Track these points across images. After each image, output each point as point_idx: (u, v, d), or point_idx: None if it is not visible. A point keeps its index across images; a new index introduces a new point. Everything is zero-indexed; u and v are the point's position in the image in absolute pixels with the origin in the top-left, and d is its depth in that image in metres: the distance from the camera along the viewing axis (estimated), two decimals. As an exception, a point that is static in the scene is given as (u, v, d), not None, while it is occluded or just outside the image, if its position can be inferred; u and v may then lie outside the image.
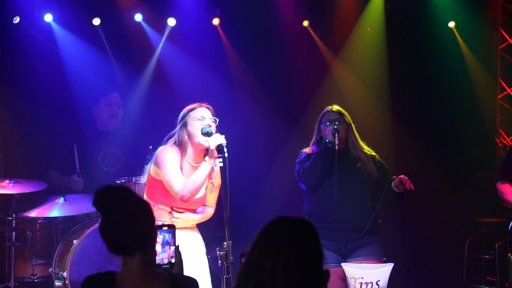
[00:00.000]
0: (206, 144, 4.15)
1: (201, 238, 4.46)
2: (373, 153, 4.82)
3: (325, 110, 4.81)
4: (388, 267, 4.29)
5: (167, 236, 2.66)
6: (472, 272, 6.79)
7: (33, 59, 6.40)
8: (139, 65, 6.96)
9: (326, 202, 4.64)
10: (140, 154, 5.49)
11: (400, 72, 7.25)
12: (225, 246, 3.97)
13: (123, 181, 5.28)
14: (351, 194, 4.68)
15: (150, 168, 4.29)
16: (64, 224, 5.57)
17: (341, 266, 4.39)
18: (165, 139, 4.36)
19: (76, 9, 6.55)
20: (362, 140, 4.84)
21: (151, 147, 5.11)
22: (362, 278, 4.24)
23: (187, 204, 4.23)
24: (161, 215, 4.26)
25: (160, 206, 4.26)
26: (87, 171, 5.86)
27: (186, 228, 4.36)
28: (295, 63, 7.25)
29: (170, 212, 4.27)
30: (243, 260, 2.25)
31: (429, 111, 7.35)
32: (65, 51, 6.57)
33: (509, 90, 7.11)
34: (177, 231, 4.19)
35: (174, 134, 4.33)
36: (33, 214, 5.39)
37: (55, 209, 5.36)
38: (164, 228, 2.65)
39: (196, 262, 4.32)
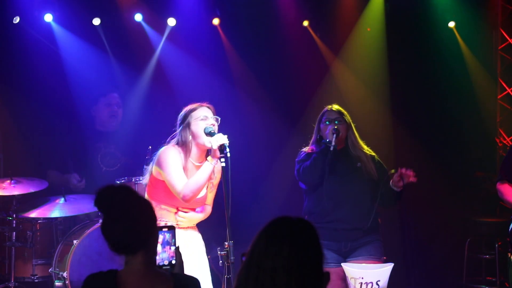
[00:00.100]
0: (209, 145, 4.16)
1: (201, 237, 4.48)
2: (373, 153, 4.82)
3: (325, 109, 4.81)
4: (388, 267, 4.29)
5: (168, 237, 2.66)
6: (472, 272, 6.79)
7: (33, 59, 6.40)
8: (139, 65, 6.96)
9: (326, 201, 4.64)
10: (140, 154, 5.49)
11: (400, 72, 7.25)
12: (226, 246, 3.98)
13: (123, 181, 5.28)
14: (350, 194, 4.68)
15: (152, 168, 4.30)
16: (64, 224, 5.57)
17: (341, 266, 4.39)
18: (167, 140, 4.36)
19: (76, 9, 6.55)
20: (362, 140, 4.84)
21: (150, 147, 5.11)
22: (362, 278, 4.24)
23: (189, 203, 4.24)
24: (164, 215, 4.27)
25: (163, 206, 4.28)
26: (87, 171, 5.87)
27: (189, 227, 4.38)
28: (295, 63, 7.25)
29: (175, 213, 4.29)
30: (244, 260, 2.25)
31: (429, 111, 7.34)
32: (65, 51, 6.57)
33: (509, 90, 7.11)
34: (181, 231, 4.26)
35: (176, 135, 4.34)
36: (33, 214, 5.39)
37: (56, 210, 5.36)
38: (164, 229, 2.65)
39: (197, 261, 4.34)
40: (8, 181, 5.44)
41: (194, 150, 4.28)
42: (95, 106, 6.11)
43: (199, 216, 4.39)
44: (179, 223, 4.29)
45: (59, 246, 5.28)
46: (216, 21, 7.06)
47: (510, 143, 6.92)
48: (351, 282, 4.26)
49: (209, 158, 4.19)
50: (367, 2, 7.23)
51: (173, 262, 2.67)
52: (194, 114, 4.29)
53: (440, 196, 7.06)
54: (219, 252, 4.01)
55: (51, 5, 6.47)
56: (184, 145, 4.27)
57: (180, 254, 2.75)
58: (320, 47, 7.37)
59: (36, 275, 5.48)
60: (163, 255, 2.65)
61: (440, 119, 7.33)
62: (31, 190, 5.44)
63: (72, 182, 5.79)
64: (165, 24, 6.89)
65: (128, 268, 2.52)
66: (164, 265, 2.65)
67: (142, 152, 5.38)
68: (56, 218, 5.47)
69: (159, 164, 4.22)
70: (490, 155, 7.23)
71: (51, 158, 6.08)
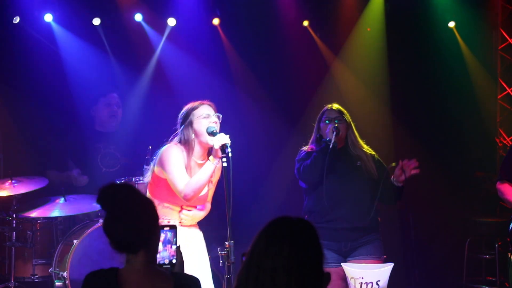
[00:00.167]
0: (212, 144, 4.17)
1: (202, 235, 4.49)
2: (372, 152, 4.82)
3: (325, 108, 4.81)
4: (388, 267, 4.29)
5: (169, 235, 2.66)
6: (472, 272, 6.79)
7: (33, 59, 6.40)
8: (139, 65, 6.96)
9: (326, 200, 4.64)
10: (140, 155, 5.49)
11: (400, 72, 7.25)
12: (226, 246, 3.98)
13: (122, 181, 5.28)
14: (350, 193, 4.68)
15: (154, 166, 4.30)
16: (64, 224, 5.56)
17: (341, 266, 4.39)
18: (170, 139, 4.36)
19: (76, 9, 6.55)
20: (362, 139, 4.85)
21: (150, 147, 5.11)
22: (362, 278, 4.24)
23: (191, 202, 4.26)
24: (167, 213, 4.28)
25: (166, 205, 4.29)
26: (86, 172, 5.87)
27: (192, 226, 4.39)
28: (295, 63, 7.25)
29: (180, 211, 4.30)
30: (244, 259, 2.25)
31: (429, 111, 7.35)
32: (65, 51, 6.57)
33: (509, 90, 7.11)
34: (184, 229, 4.26)
35: (177, 134, 4.34)
36: (33, 214, 5.39)
37: (56, 209, 5.36)
38: (166, 228, 2.65)
39: (198, 260, 4.35)
40: (9, 182, 5.44)
41: (197, 148, 4.29)
42: (94, 107, 6.11)
43: (201, 214, 4.41)
44: (182, 221, 4.30)
45: (59, 246, 5.28)
46: (216, 21, 7.06)
47: (510, 143, 6.92)
48: (351, 282, 4.26)
49: (210, 158, 4.20)
50: (367, 2, 7.23)
51: (174, 261, 2.67)
52: (196, 112, 4.30)
53: (440, 196, 7.06)
54: (219, 252, 4.01)
55: (51, 5, 6.47)
56: (187, 144, 4.27)
57: (181, 253, 2.75)
58: (320, 47, 7.37)
59: (36, 275, 5.48)
60: (164, 254, 2.65)
61: (440, 119, 7.33)
62: (32, 188, 5.43)
63: (73, 175, 5.79)
64: (165, 24, 6.89)
65: (129, 267, 2.52)
66: (164, 264, 2.65)
67: (142, 152, 5.38)
68: (56, 218, 5.48)
69: (161, 163, 4.23)
70: (490, 155, 7.23)
71: (51, 158, 6.08)
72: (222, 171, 4.21)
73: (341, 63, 7.40)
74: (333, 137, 4.59)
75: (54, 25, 6.52)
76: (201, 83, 6.89)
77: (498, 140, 7.17)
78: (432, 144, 7.22)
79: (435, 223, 7.18)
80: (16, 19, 6.24)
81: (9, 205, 5.46)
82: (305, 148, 4.85)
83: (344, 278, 4.38)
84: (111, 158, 5.99)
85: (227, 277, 3.98)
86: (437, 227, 7.18)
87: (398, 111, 7.29)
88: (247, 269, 2.22)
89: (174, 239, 2.67)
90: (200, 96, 4.50)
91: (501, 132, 7.15)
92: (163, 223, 4.02)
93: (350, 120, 4.81)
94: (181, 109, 4.39)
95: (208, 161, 4.20)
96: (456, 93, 7.27)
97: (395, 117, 7.30)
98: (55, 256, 5.24)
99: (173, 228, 2.68)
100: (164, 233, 2.64)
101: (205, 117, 4.27)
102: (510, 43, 7.07)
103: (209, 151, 4.27)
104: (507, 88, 7.12)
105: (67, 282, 4.97)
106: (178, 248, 2.71)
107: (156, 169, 4.27)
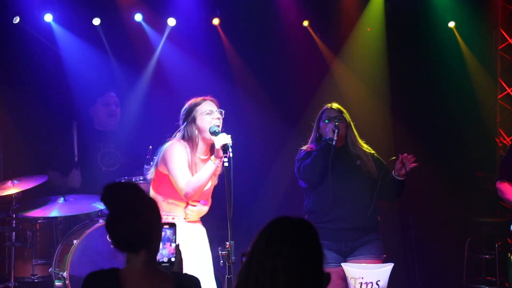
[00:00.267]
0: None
1: (205, 231, 4.49)
2: (372, 151, 4.83)
3: (325, 107, 4.81)
4: (388, 267, 4.29)
5: (169, 233, 2.66)
6: (472, 272, 6.79)
7: (33, 59, 6.40)
8: (139, 65, 6.96)
9: (326, 200, 4.64)
10: (140, 154, 5.49)
11: (400, 72, 7.25)
12: (227, 246, 3.98)
13: (122, 181, 5.27)
14: (350, 192, 4.68)
15: (157, 163, 4.29)
16: (64, 224, 5.56)
17: (341, 266, 4.39)
18: (173, 135, 4.35)
19: (76, 9, 6.54)
20: (362, 139, 4.85)
21: (151, 147, 5.11)
22: (362, 278, 4.24)
23: (194, 198, 4.26)
24: (172, 209, 4.29)
25: (171, 201, 4.29)
26: (86, 171, 5.87)
27: (196, 221, 4.41)
28: (295, 63, 7.25)
29: (185, 207, 4.30)
30: (244, 260, 2.25)
31: (429, 111, 7.34)
32: (65, 51, 6.57)
33: (509, 90, 7.11)
34: (190, 224, 4.26)
35: (180, 130, 4.33)
36: (33, 214, 5.38)
37: (55, 209, 5.35)
38: (165, 226, 2.64)
39: (200, 256, 4.35)
40: (9, 183, 5.44)
41: (200, 144, 4.30)
42: (93, 106, 6.10)
43: (205, 208, 4.41)
44: (188, 216, 4.31)
45: (59, 246, 5.28)
46: (216, 21, 7.06)
47: (510, 143, 6.91)
48: (351, 282, 4.26)
49: (212, 157, 4.20)
50: (367, 2, 7.23)
51: (173, 259, 2.67)
52: (199, 108, 4.30)
53: (440, 196, 7.06)
54: (220, 252, 4.01)
55: (51, 5, 6.47)
56: (190, 140, 4.27)
57: (180, 252, 2.75)
58: (320, 47, 7.37)
59: (36, 275, 5.47)
60: (163, 252, 2.64)
61: (440, 119, 7.32)
62: (32, 184, 5.43)
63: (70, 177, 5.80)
64: (165, 24, 6.89)
65: (130, 267, 2.51)
66: (163, 262, 2.65)
67: (142, 152, 5.38)
68: (56, 218, 5.47)
69: (164, 159, 4.22)
70: (490, 155, 7.23)
71: (51, 158, 6.08)
72: (223, 168, 4.20)
73: (341, 63, 7.40)
74: (334, 136, 4.59)
75: (54, 25, 6.51)
76: (201, 83, 6.88)
77: (498, 140, 7.17)
78: (432, 144, 7.22)
79: (435, 223, 7.18)
80: (16, 19, 6.24)
81: (9, 205, 5.45)
82: (305, 147, 4.85)
83: (344, 278, 4.38)
84: (111, 157, 5.99)
85: (227, 277, 3.98)
86: (437, 227, 7.18)
87: (398, 111, 7.29)
88: (247, 269, 2.21)
89: (174, 237, 2.67)
90: (200, 95, 4.50)
91: (501, 132, 7.15)
92: (167, 220, 4.04)
93: (350, 119, 4.81)
94: (181, 109, 4.39)
95: (210, 160, 4.21)
96: (456, 93, 7.27)
97: (395, 117, 7.30)
98: (55, 256, 5.24)
99: (172, 226, 2.67)
100: (163, 231, 2.63)
101: (208, 113, 4.27)
102: (510, 43, 7.07)
103: (212, 147, 4.27)
104: (507, 88, 7.12)
105: (67, 282, 4.97)
106: (177, 246, 2.70)
107: (160, 165, 4.27)
